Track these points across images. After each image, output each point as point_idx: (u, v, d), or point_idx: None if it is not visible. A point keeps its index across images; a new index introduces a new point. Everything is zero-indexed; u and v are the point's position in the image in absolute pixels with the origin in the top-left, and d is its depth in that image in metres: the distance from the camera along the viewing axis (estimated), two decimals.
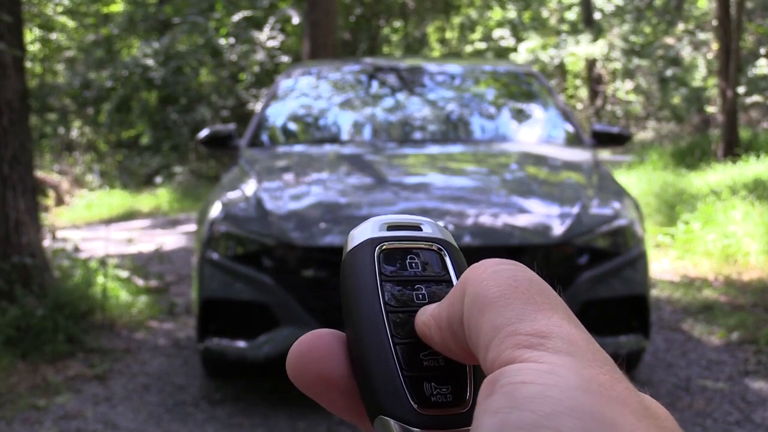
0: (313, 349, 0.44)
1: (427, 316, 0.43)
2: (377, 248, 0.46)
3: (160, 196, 14.66)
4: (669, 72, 22.98)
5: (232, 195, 4.48)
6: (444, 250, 0.47)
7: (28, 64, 16.64)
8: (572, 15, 27.50)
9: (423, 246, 0.47)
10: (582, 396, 0.34)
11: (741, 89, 17.19)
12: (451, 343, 0.42)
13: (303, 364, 0.44)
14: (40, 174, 13.93)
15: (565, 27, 27.20)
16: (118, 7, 19.24)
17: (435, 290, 0.45)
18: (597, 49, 23.75)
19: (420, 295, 0.45)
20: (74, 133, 18.13)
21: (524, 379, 0.35)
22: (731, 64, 12.58)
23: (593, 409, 0.33)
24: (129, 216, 13.03)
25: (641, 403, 0.35)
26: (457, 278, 0.45)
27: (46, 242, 6.41)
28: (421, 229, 0.48)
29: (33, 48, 18.29)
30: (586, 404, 0.33)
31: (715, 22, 14.00)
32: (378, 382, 0.42)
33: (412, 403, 0.42)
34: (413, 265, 0.46)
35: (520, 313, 0.38)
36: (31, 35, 17.72)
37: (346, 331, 0.45)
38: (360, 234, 0.47)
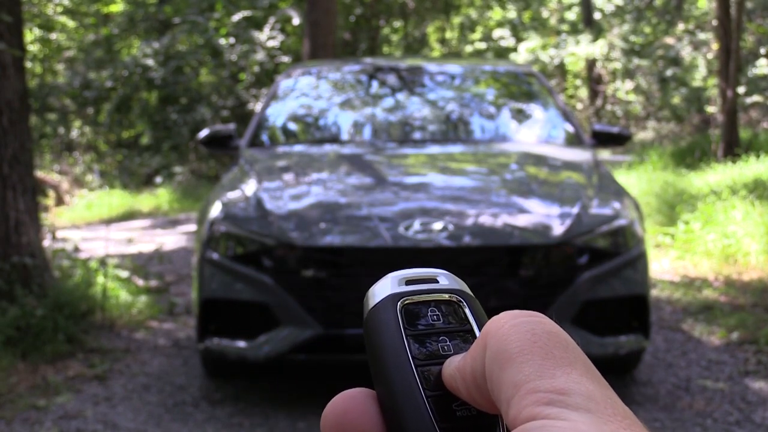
0: (348, 411, 0.45)
1: (453, 368, 0.44)
2: (399, 303, 0.47)
3: (160, 196, 14.65)
4: (669, 72, 22.98)
5: (232, 195, 4.48)
6: (462, 301, 0.48)
7: (28, 64, 16.64)
8: (572, 15, 27.51)
9: (442, 298, 0.48)
10: None
11: (741, 89, 17.19)
12: (476, 396, 0.42)
13: (339, 427, 0.45)
14: (40, 174, 13.93)
15: (565, 27, 27.20)
16: (118, 7, 19.24)
17: (458, 341, 0.46)
18: (597, 49, 23.75)
19: (445, 347, 0.46)
20: (74, 133, 18.13)
21: None
22: (731, 64, 12.57)
23: None
24: (129, 216, 13.03)
25: None
26: (478, 327, 0.47)
27: (46, 242, 6.41)
28: (437, 282, 0.49)
29: (33, 48, 18.29)
30: None
31: (715, 22, 13.99)
32: None
33: None
34: (435, 317, 0.47)
35: (539, 369, 0.39)
36: (31, 35, 17.72)
37: (376, 388, 0.46)
38: (380, 291, 0.48)
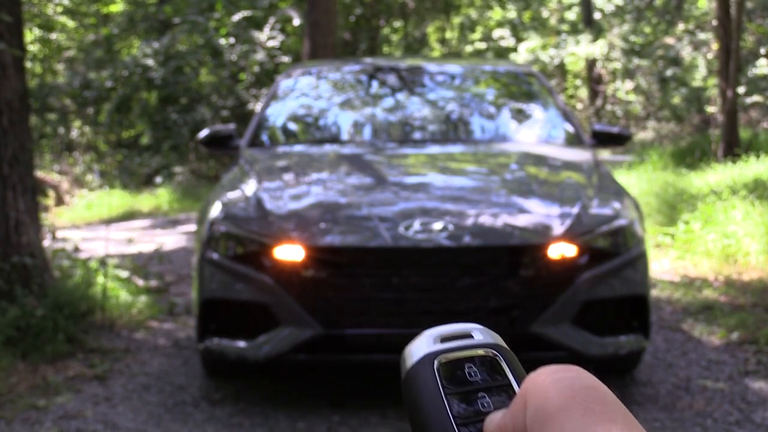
0: None
1: (494, 426, 0.44)
2: (436, 362, 0.47)
3: (160, 196, 14.65)
4: (669, 72, 22.98)
5: (232, 195, 4.48)
6: (498, 355, 0.48)
7: (28, 64, 16.64)
8: (572, 15, 27.51)
9: (478, 353, 0.48)
10: None
11: (741, 89, 17.19)
12: None
13: None
14: (40, 174, 13.93)
15: (565, 27, 27.20)
16: (118, 7, 19.24)
17: (498, 397, 0.47)
18: (597, 49, 23.75)
19: (485, 404, 0.46)
20: (74, 133, 18.13)
21: None
22: (731, 64, 12.57)
23: None
24: (129, 216, 13.03)
25: None
26: (516, 381, 0.47)
27: (46, 242, 6.41)
28: (472, 337, 0.49)
29: (33, 48, 18.29)
30: None
31: (715, 22, 13.99)
32: None
33: None
34: (472, 374, 0.47)
35: (580, 425, 0.39)
36: (31, 35, 17.72)
37: None
38: (416, 350, 0.48)
